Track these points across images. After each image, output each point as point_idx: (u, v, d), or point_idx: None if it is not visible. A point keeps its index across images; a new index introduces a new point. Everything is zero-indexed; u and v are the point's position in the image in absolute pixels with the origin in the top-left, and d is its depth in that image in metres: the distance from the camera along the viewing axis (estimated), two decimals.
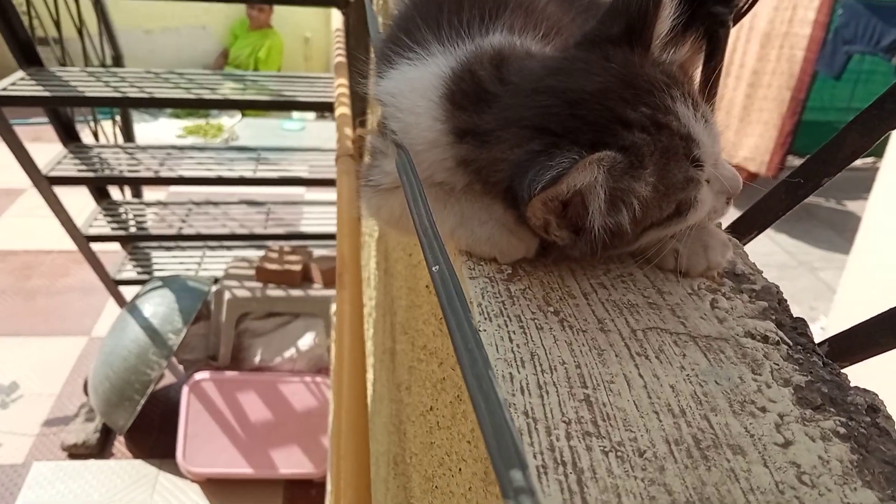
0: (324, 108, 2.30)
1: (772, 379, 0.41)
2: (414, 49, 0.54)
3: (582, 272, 0.50)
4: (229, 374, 2.98)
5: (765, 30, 5.06)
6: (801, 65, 5.06)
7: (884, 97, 0.53)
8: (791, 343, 0.45)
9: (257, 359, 3.03)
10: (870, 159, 5.50)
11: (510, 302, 0.46)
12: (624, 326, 0.44)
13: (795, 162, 6.05)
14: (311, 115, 5.88)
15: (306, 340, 3.02)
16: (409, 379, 0.88)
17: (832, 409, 0.39)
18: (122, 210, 3.21)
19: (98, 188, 3.14)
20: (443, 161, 0.51)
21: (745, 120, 5.37)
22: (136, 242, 3.34)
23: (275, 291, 2.99)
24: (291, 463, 2.87)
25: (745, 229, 0.65)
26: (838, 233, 5.00)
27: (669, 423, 0.37)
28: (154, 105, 3.76)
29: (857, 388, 0.43)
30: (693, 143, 0.46)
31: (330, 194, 3.38)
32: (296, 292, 2.99)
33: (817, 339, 0.49)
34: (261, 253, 3.11)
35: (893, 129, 0.53)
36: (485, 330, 0.43)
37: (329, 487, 0.97)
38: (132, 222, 3.23)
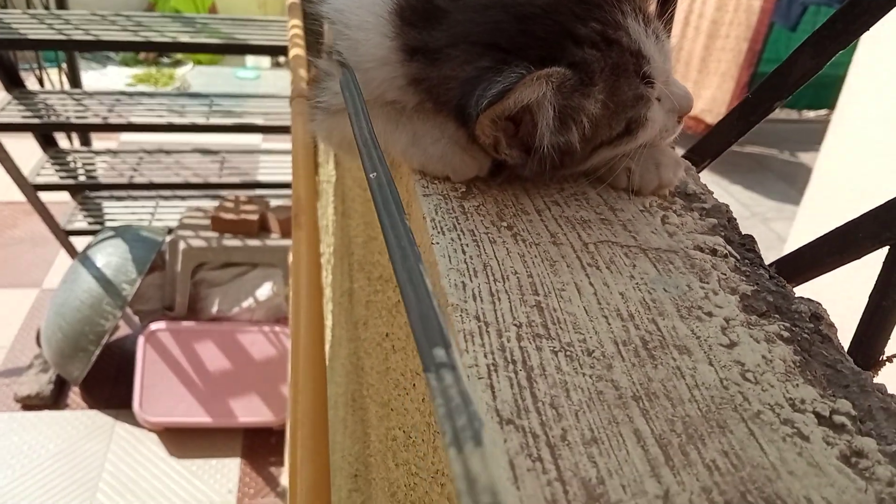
0: (278, 52, 2.24)
1: (719, 287, 0.41)
2: None
3: (536, 191, 0.50)
4: (186, 324, 2.95)
5: None
6: (759, 16, 5.08)
7: (834, 17, 0.54)
8: (739, 257, 0.46)
9: (214, 309, 3.00)
10: (822, 111, 5.61)
11: (464, 217, 0.46)
12: (576, 240, 0.45)
13: None
14: (266, 62, 5.74)
15: (264, 290, 2.99)
16: (366, 314, 0.88)
17: (777, 316, 0.41)
18: (70, 159, 3.11)
19: (45, 136, 3.03)
20: (393, 79, 0.50)
21: (703, 72, 5.40)
22: (86, 192, 3.25)
23: (231, 241, 2.94)
24: (250, 411, 2.87)
25: (699, 156, 0.66)
26: (790, 184, 5.10)
27: (618, 326, 0.37)
28: (101, 48, 3.62)
29: (801, 297, 0.44)
30: (643, 60, 0.46)
31: (286, 143, 3.33)
32: (253, 242, 2.95)
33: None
34: (216, 203, 3.05)
35: (843, 48, 0.54)
36: (437, 243, 0.43)
37: (287, 433, 0.97)
38: (81, 171, 3.13)
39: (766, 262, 0.53)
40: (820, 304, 0.43)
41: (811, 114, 5.99)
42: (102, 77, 5.28)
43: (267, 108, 2.93)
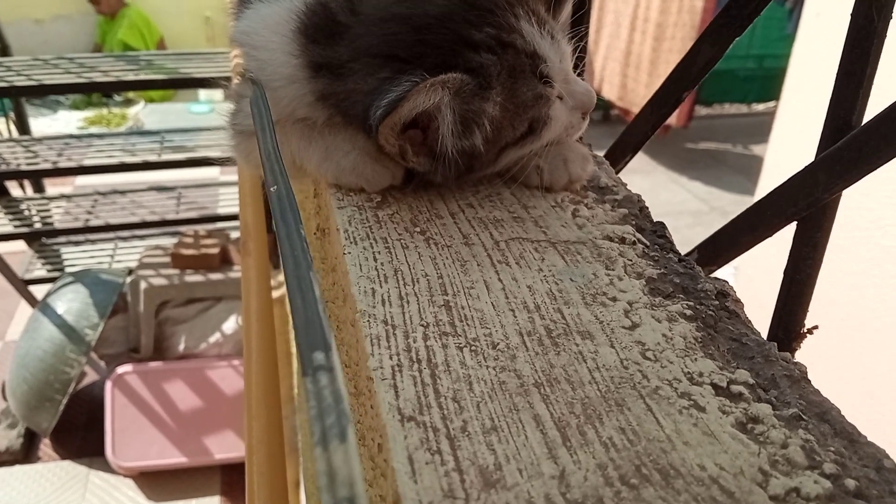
0: (222, 84, 2.24)
1: (624, 273, 0.42)
2: None
3: (451, 195, 0.51)
4: (153, 364, 2.91)
5: None
6: (702, 15, 5.18)
7: (728, 6, 0.55)
8: (648, 243, 0.47)
9: (181, 346, 2.96)
10: (771, 103, 5.72)
11: (377, 226, 0.46)
12: (488, 239, 0.45)
13: (702, 111, 6.24)
14: (219, 95, 5.71)
15: (230, 323, 2.96)
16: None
17: (682, 296, 0.42)
18: (23, 206, 3.06)
19: None
20: (302, 96, 0.50)
21: (653, 73, 5.49)
22: (42, 239, 3.20)
23: (193, 277, 2.91)
24: (226, 447, 2.83)
25: (620, 153, 0.68)
26: (747, 176, 5.19)
27: (524, 318, 0.38)
28: (45, 93, 3.58)
29: (709, 277, 0.45)
30: (540, 60, 0.47)
31: None
32: (215, 276, 2.92)
33: (731, 279, 0.51)
34: (176, 240, 3.02)
35: (739, 35, 0.56)
36: (349, 252, 0.43)
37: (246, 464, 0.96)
38: (36, 218, 3.09)
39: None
40: (727, 282, 0.44)
41: (760, 106, 6.12)
42: (53, 122, 5.20)
43: (221, 140, 2.91)
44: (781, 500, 0.28)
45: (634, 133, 0.68)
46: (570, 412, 0.32)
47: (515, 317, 0.38)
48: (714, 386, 0.34)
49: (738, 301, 0.43)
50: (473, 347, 0.36)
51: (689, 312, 0.40)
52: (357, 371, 0.38)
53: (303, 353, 0.23)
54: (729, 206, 4.89)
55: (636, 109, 5.43)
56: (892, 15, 0.46)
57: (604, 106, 5.65)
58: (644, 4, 5.39)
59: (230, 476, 2.86)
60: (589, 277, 0.42)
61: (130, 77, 2.36)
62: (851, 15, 0.47)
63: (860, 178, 0.45)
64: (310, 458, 1.33)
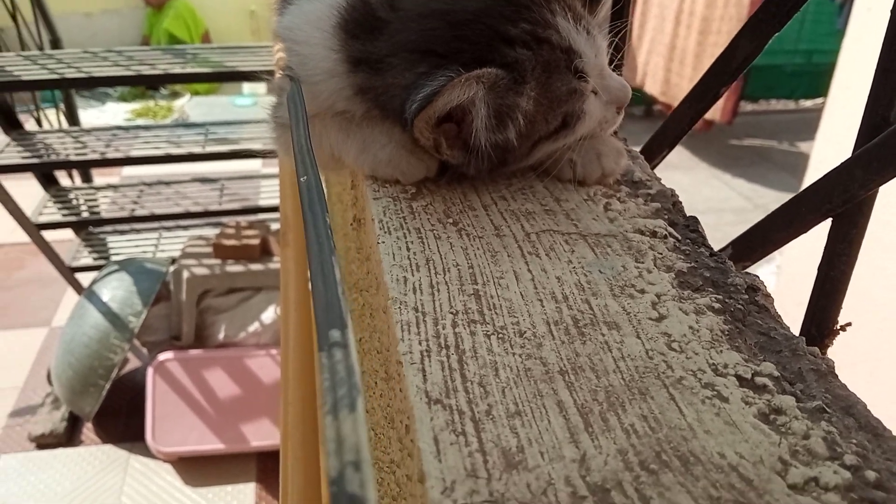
0: (268, 76, 2.27)
1: (654, 266, 0.43)
2: None
3: (484, 188, 0.52)
4: (193, 352, 2.97)
5: None
6: (748, 9, 5.09)
7: (768, 0, 0.55)
8: (680, 237, 0.47)
9: (221, 335, 3.02)
10: (819, 100, 5.59)
11: (411, 217, 0.48)
12: (519, 231, 0.46)
13: (748, 107, 6.13)
14: (262, 89, 5.80)
15: (269, 313, 3.01)
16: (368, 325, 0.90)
17: (711, 290, 0.42)
18: (72, 196, 3.15)
19: (45, 175, 3.07)
20: (341, 90, 0.52)
21: (697, 68, 5.40)
22: (89, 228, 3.29)
23: (234, 267, 2.97)
24: (262, 435, 2.88)
25: (657, 148, 0.68)
26: (792, 174, 5.09)
27: (552, 307, 0.39)
28: (94, 85, 3.67)
29: (740, 272, 0.45)
30: (575, 55, 0.48)
31: None
32: (255, 266, 2.97)
33: (773, 279, 0.51)
34: (218, 230, 3.08)
35: (779, 30, 0.55)
36: (383, 242, 0.44)
37: (280, 445, 0.99)
38: (84, 208, 3.17)
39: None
40: (757, 276, 0.44)
41: (808, 103, 5.97)
42: (101, 114, 5.34)
43: (263, 133, 2.96)
44: (800, 490, 0.29)
45: (672, 128, 0.68)
46: (593, 399, 0.33)
47: (543, 306, 0.39)
48: (738, 377, 0.34)
49: (767, 296, 0.44)
50: (501, 335, 0.37)
51: (717, 306, 0.40)
52: (388, 356, 0.40)
53: (321, 330, 0.25)
54: (773, 203, 4.77)
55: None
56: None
57: (647, 101, 5.58)
58: None
59: (266, 463, 2.91)
60: (618, 269, 0.42)
61: (177, 70, 2.41)
62: (892, 11, 0.46)
63: None
64: None
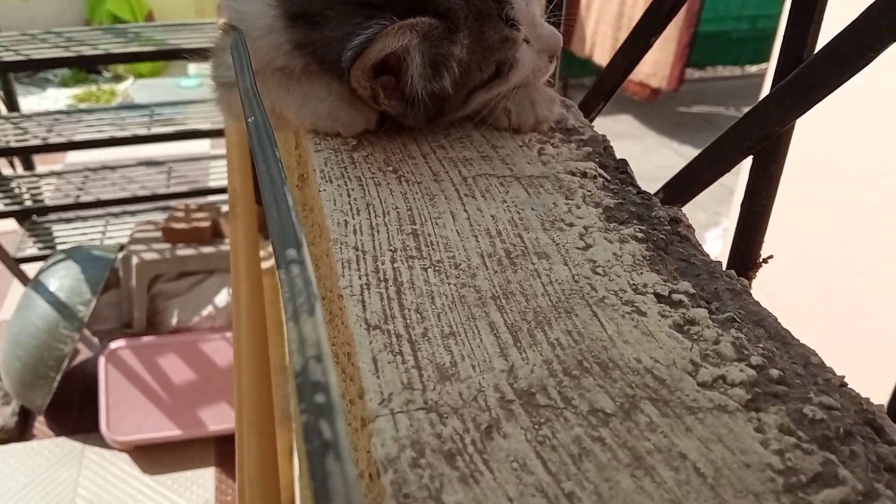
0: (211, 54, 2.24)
1: (583, 202, 0.45)
2: None
3: (424, 138, 0.53)
4: (146, 339, 2.93)
5: None
6: None
7: None
8: (609, 178, 0.50)
9: (174, 320, 2.98)
10: (764, 65, 5.70)
11: (352, 167, 0.49)
12: (456, 176, 0.48)
13: (695, 75, 6.22)
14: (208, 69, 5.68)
15: (222, 296, 2.99)
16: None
17: (636, 222, 0.44)
18: (14, 185, 3.07)
19: None
20: (280, 45, 0.52)
21: None
22: (33, 217, 3.21)
23: (185, 251, 2.93)
24: (220, 419, 2.86)
25: (594, 101, 0.70)
26: None
27: (486, 242, 0.41)
28: (33, 67, 3.56)
29: (665, 206, 0.48)
30: (506, 4, 0.49)
31: None
32: (207, 249, 2.94)
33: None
34: (166, 214, 3.04)
35: None
36: (324, 190, 0.46)
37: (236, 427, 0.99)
38: (27, 196, 3.09)
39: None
40: (680, 209, 0.47)
41: (753, 68, 6.08)
42: (42, 100, 5.19)
43: (211, 113, 2.92)
44: (709, 387, 0.31)
45: (607, 80, 0.70)
46: (522, 319, 0.35)
47: (478, 241, 0.41)
48: (657, 295, 0.37)
49: (689, 227, 0.46)
50: (437, 268, 0.38)
51: (640, 235, 0.42)
52: (331, 298, 0.41)
53: (277, 251, 0.26)
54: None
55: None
56: None
57: (596, 71, 5.61)
58: None
59: (224, 447, 2.90)
60: (549, 206, 0.44)
61: (119, 50, 2.36)
62: None
63: (808, 110, 0.48)
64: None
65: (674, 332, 0.34)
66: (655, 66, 5.35)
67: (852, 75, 0.43)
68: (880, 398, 0.37)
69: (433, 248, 0.40)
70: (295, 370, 0.21)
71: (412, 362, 0.32)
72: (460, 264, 0.39)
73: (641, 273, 0.39)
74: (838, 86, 0.45)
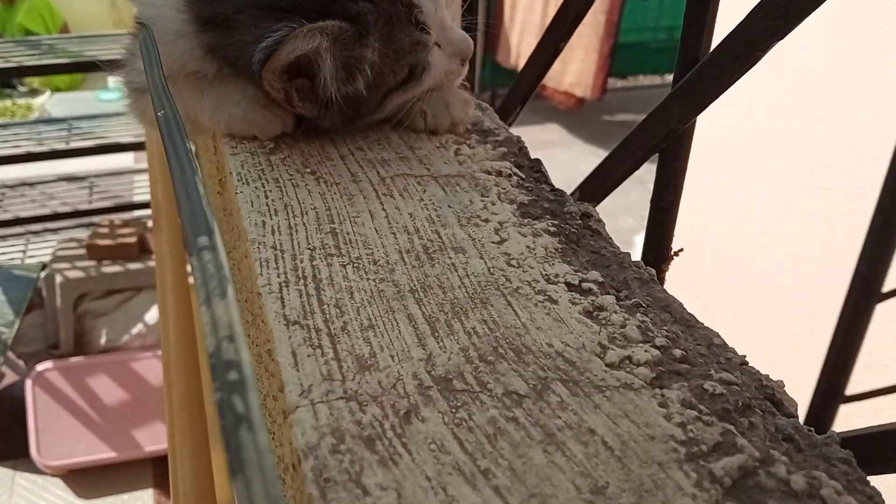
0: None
1: (498, 199, 0.47)
2: None
3: (342, 140, 0.54)
4: (74, 360, 2.84)
5: None
6: None
7: None
8: (524, 176, 0.51)
9: (103, 340, 2.90)
10: None
11: (269, 169, 0.49)
12: (374, 176, 0.49)
13: (617, 84, 6.40)
14: None
15: (153, 313, 2.91)
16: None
17: (548, 217, 0.46)
18: None
19: None
20: (192, 50, 0.52)
21: (567, 47, 5.58)
22: None
23: (111, 268, 2.85)
24: (156, 439, 2.79)
25: (511, 105, 0.72)
26: None
27: (404, 239, 0.42)
28: None
29: (576, 202, 0.50)
30: (415, 9, 0.51)
31: None
32: (134, 265, 2.87)
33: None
34: (90, 231, 2.95)
35: None
36: (241, 192, 0.46)
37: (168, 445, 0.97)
38: None
39: (573, 190, 0.59)
40: (591, 206, 0.49)
41: (672, 77, 6.27)
42: None
43: (133, 125, 2.85)
44: (616, 367, 0.33)
45: (522, 85, 0.72)
46: (440, 311, 0.36)
47: (396, 238, 0.42)
48: (567, 284, 0.39)
49: (600, 221, 0.48)
50: (356, 265, 0.39)
51: (552, 229, 0.44)
52: (252, 298, 0.41)
53: (189, 238, 0.27)
54: (646, 174, 5.05)
55: (552, 84, 5.46)
56: None
57: None
58: None
59: (162, 468, 2.83)
60: (465, 204, 0.46)
61: (33, 62, 2.28)
62: None
63: (706, 107, 0.51)
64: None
65: (583, 318, 0.36)
66: (579, 76, 5.49)
67: (743, 74, 0.46)
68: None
69: (352, 246, 0.41)
70: (209, 351, 0.21)
71: (332, 355, 0.32)
72: (379, 260, 0.40)
73: (553, 264, 0.40)
74: (731, 83, 0.47)
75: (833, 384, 1.27)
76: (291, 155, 0.51)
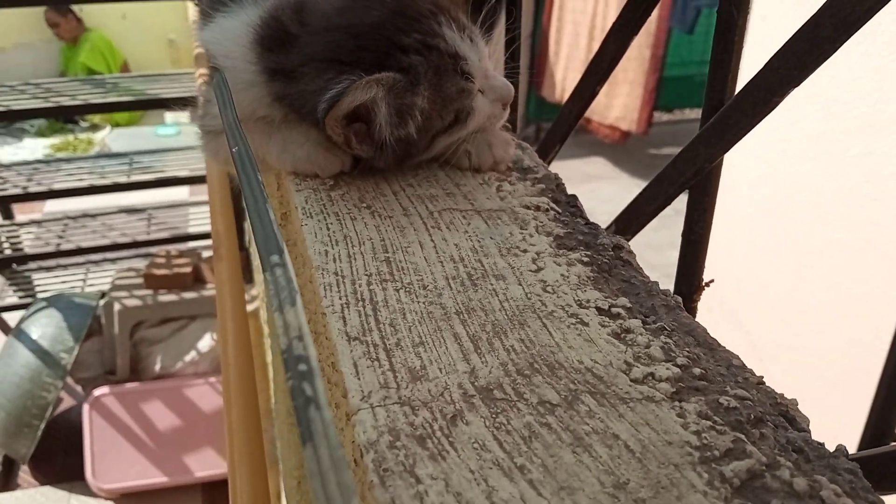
0: (191, 102, 2.31)
1: (536, 232, 0.51)
2: (227, 4, 0.62)
3: (394, 178, 0.60)
4: (130, 385, 2.94)
5: None
6: (657, 23, 5.33)
7: (624, 10, 0.65)
8: (560, 211, 0.56)
9: (157, 367, 3.00)
10: None
11: (330, 203, 0.55)
12: (424, 210, 0.54)
13: (663, 118, 6.40)
14: (185, 117, 5.75)
15: (206, 341, 3.01)
16: None
17: (582, 248, 0.50)
18: None
19: None
20: (261, 98, 0.59)
21: (612, 82, 5.62)
22: (13, 266, 3.23)
23: (167, 297, 2.95)
24: (206, 465, 2.86)
25: (550, 144, 0.77)
26: None
27: (450, 267, 0.47)
28: (13, 118, 3.61)
29: (609, 235, 0.54)
30: (461, 61, 0.56)
31: None
32: (189, 295, 2.97)
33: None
34: (148, 261, 3.07)
35: (636, 34, 0.65)
36: (306, 224, 0.51)
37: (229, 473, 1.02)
38: (6, 245, 3.11)
39: (609, 223, 0.63)
40: (622, 238, 0.53)
41: None
42: (19, 150, 5.20)
43: (189, 160, 2.98)
44: (640, 382, 0.37)
45: (561, 126, 0.77)
46: (482, 330, 0.40)
47: (443, 266, 0.47)
48: (598, 308, 0.43)
49: (631, 253, 0.52)
50: (408, 289, 0.44)
51: (586, 259, 0.48)
52: (316, 318, 0.46)
53: (263, 257, 0.32)
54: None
55: (597, 118, 5.49)
56: (750, 10, 0.56)
57: None
58: (601, 13, 5.52)
59: (211, 493, 2.90)
60: (506, 236, 0.50)
61: (98, 100, 2.42)
62: (717, 12, 0.56)
63: (730, 148, 0.55)
64: (289, 461, 1.39)
65: (611, 339, 0.40)
66: (624, 109, 5.52)
67: (763, 117, 0.50)
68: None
69: (404, 273, 0.46)
70: (282, 349, 0.26)
71: (388, 366, 0.37)
72: (428, 286, 0.45)
73: (585, 291, 0.45)
74: (753, 126, 0.51)
75: (883, 421, 1.27)
76: (349, 191, 0.57)
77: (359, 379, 0.36)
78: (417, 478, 0.30)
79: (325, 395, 0.24)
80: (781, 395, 0.40)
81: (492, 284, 0.45)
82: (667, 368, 0.38)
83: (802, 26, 0.46)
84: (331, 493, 0.21)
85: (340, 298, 0.43)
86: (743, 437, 0.35)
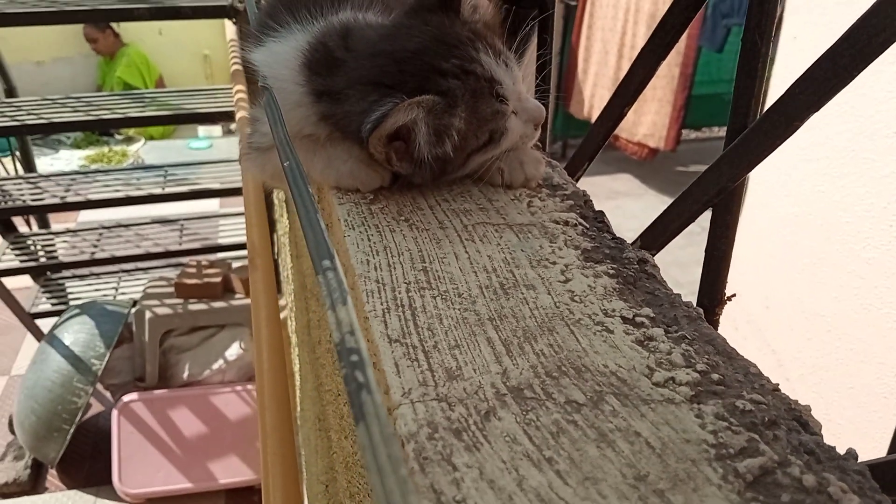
0: (225, 118, 2.38)
1: (564, 245, 0.54)
2: (277, 29, 0.66)
3: (430, 193, 0.63)
4: (158, 392, 2.99)
5: (649, 10, 5.29)
6: (686, 41, 5.33)
7: (656, 31, 0.68)
8: (588, 226, 0.59)
9: (185, 374, 3.05)
10: None
11: (370, 216, 0.58)
12: (458, 223, 0.57)
13: (691, 135, 6.39)
14: (217, 131, 5.87)
15: (233, 350, 3.06)
16: (319, 333, 0.99)
17: (609, 261, 0.53)
18: (29, 242, 3.18)
19: (3, 222, 3.10)
20: (308, 117, 0.62)
21: (641, 100, 5.61)
22: (48, 273, 3.31)
23: (196, 305, 3.01)
24: (231, 472, 2.91)
25: (579, 162, 0.80)
26: None
27: (483, 277, 0.50)
28: (53, 130, 3.72)
29: (634, 249, 0.57)
30: (496, 84, 0.59)
31: (242, 206, 3.42)
32: (218, 304, 3.02)
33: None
34: (178, 271, 3.14)
35: (664, 58, 0.68)
36: (349, 235, 0.55)
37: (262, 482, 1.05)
38: (42, 253, 3.20)
39: (635, 239, 0.66)
40: (647, 252, 0.56)
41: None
42: (55, 161, 5.35)
43: (221, 173, 3.05)
44: (661, 385, 0.40)
45: (588, 145, 0.80)
46: (513, 336, 0.43)
47: (477, 276, 0.50)
48: (623, 317, 0.46)
49: (655, 266, 0.55)
50: (444, 297, 0.47)
51: (612, 272, 0.51)
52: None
53: (315, 262, 0.35)
54: None
55: (625, 135, 5.49)
56: (774, 37, 0.58)
57: None
58: (630, 32, 5.55)
59: (234, 500, 2.94)
60: (536, 248, 0.53)
61: (136, 114, 2.50)
62: (742, 40, 0.59)
63: (752, 169, 0.57)
64: (314, 467, 1.42)
65: (635, 346, 0.43)
66: (653, 127, 5.53)
67: (784, 140, 0.53)
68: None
69: (440, 281, 0.49)
70: (335, 342, 0.30)
71: (426, 366, 0.40)
72: (462, 294, 0.48)
73: (611, 301, 0.47)
74: (774, 148, 0.54)
75: None
76: (388, 205, 0.60)
77: (399, 377, 0.39)
78: (454, 466, 0.33)
79: (374, 381, 0.27)
80: (796, 402, 0.43)
81: (522, 293, 0.48)
82: (687, 373, 0.41)
83: (822, 55, 0.49)
84: (382, 464, 0.24)
85: (381, 304, 0.46)
86: (757, 437, 0.37)
